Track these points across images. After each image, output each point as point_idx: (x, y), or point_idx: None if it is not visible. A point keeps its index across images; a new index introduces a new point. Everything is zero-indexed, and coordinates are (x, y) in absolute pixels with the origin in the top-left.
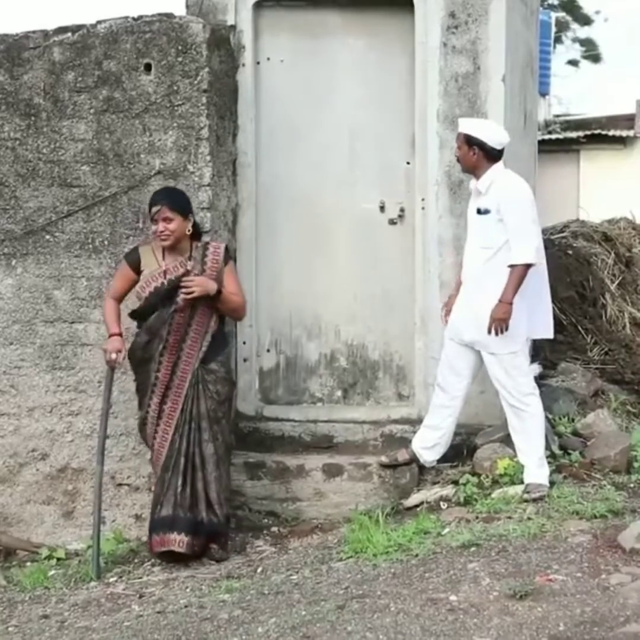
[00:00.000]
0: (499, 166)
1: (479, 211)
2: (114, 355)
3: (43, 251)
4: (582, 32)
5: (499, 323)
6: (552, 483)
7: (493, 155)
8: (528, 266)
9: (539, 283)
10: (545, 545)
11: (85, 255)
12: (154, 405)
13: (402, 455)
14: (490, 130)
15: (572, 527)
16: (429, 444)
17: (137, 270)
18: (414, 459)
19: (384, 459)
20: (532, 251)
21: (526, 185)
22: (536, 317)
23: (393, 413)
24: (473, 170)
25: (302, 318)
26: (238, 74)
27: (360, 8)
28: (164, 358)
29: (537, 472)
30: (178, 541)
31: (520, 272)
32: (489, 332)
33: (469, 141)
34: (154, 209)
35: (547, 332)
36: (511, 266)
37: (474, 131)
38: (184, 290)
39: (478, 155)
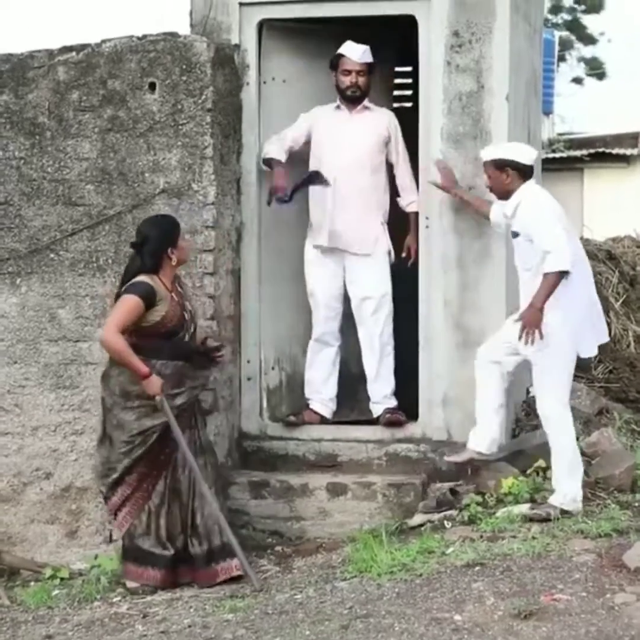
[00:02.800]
0: (527, 185)
1: (512, 234)
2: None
3: (47, 270)
4: (587, 51)
5: (530, 326)
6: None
7: (526, 172)
8: (562, 274)
9: (581, 298)
10: (549, 564)
11: (89, 274)
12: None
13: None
14: (519, 149)
15: (577, 546)
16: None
17: (151, 305)
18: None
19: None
20: (565, 258)
21: (548, 197)
22: (590, 330)
23: (397, 432)
24: (507, 194)
25: (301, 335)
26: (242, 92)
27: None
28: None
29: (566, 484)
30: (235, 566)
31: (552, 280)
32: (520, 337)
33: (501, 165)
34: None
35: (601, 337)
36: (544, 275)
37: (503, 154)
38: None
39: (512, 177)
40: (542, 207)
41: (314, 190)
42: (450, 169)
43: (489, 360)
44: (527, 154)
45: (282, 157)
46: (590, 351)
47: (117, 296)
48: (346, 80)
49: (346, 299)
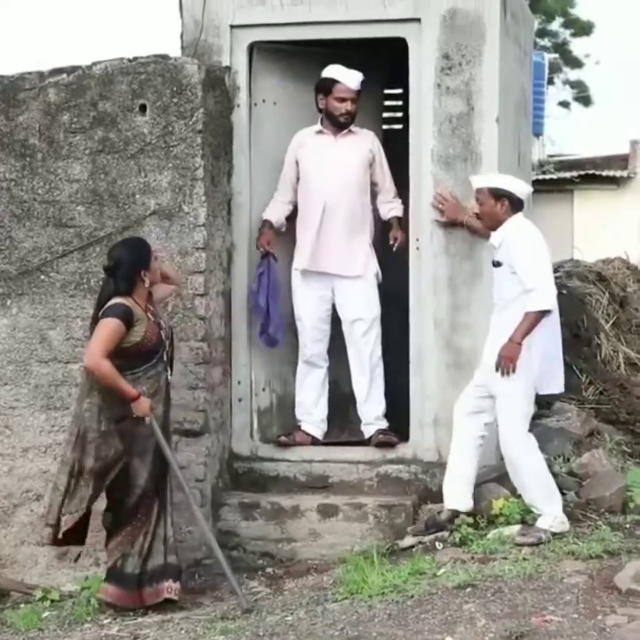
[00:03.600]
0: (517, 218)
1: (493, 264)
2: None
3: (38, 291)
4: (573, 74)
5: (506, 361)
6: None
7: (518, 206)
8: (543, 313)
9: (551, 337)
10: (540, 586)
11: (80, 296)
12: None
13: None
14: (517, 182)
15: (568, 567)
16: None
17: (129, 326)
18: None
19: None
20: (548, 298)
21: (537, 233)
22: (550, 372)
23: (388, 453)
24: (497, 224)
25: (291, 356)
26: (233, 114)
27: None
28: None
29: (549, 507)
30: (167, 588)
31: (533, 318)
32: (497, 369)
33: (498, 194)
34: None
35: (557, 387)
36: (526, 313)
37: (501, 184)
38: None
39: (506, 208)
40: (532, 243)
41: (302, 214)
42: (452, 200)
43: (466, 413)
44: (523, 188)
45: (273, 219)
46: (546, 389)
47: (94, 321)
48: (341, 108)
49: (333, 321)
